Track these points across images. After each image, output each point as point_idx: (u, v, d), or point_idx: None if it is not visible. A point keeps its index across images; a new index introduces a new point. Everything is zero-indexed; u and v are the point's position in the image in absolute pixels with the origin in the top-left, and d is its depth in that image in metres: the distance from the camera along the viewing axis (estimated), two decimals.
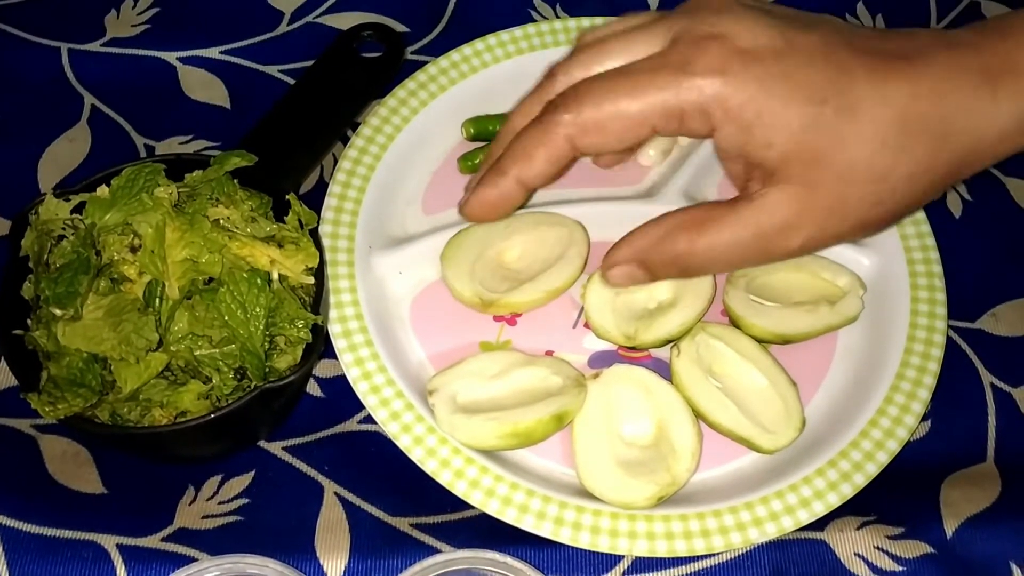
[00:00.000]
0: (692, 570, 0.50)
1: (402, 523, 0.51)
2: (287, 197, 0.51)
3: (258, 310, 0.48)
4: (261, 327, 0.48)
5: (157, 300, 0.49)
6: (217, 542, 0.50)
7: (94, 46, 0.66)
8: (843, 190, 0.43)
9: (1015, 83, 0.42)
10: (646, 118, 0.44)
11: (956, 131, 0.42)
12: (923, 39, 0.44)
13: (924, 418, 0.55)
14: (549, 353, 0.56)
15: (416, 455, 0.50)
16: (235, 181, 0.52)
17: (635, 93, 0.44)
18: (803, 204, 0.43)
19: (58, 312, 0.47)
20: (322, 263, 0.51)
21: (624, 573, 0.50)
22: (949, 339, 0.57)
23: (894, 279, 0.58)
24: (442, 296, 0.57)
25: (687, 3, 0.47)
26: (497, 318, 0.57)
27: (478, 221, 0.52)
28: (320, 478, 0.52)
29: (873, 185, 0.42)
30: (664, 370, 0.55)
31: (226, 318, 0.48)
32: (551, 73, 0.48)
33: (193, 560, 0.48)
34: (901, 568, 0.50)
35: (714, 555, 0.51)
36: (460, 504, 0.50)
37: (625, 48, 0.46)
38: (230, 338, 0.48)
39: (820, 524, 0.51)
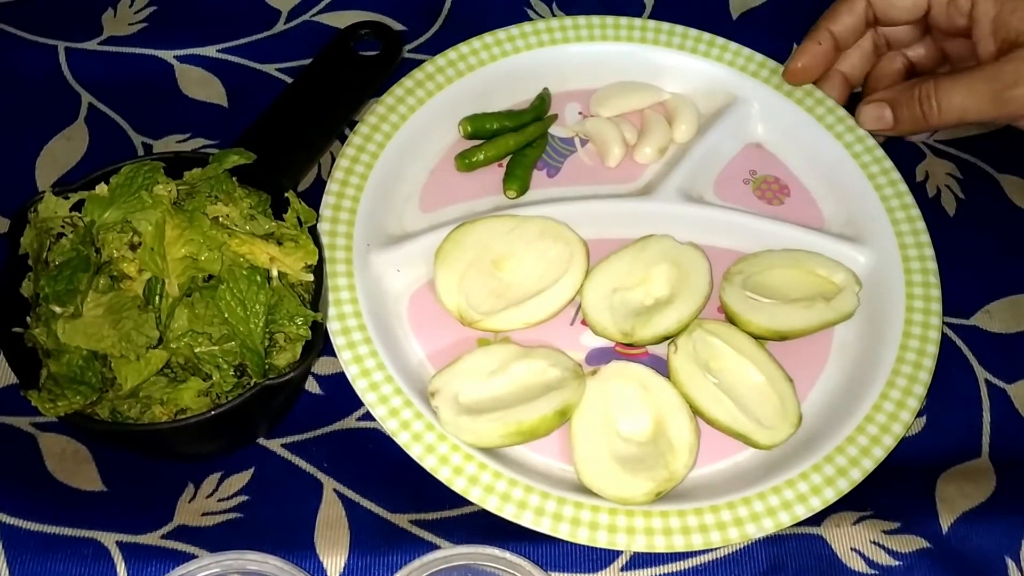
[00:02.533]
0: (690, 565, 0.51)
1: (401, 519, 0.51)
2: (286, 195, 0.52)
3: (258, 307, 0.48)
4: (261, 324, 0.48)
5: (157, 297, 0.49)
6: (217, 539, 0.50)
7: (91, 45, 0.66)
8: None
9: None
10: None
11: None
12: None
13: (919, 414, 0.55)
14: None
15: (415, 452, 0.51)
16: (234, 179, 0.52)
17: None
18: None
19: (58, 309, 0.47)
20: (321, 260, 0.51)
21: (622, 568, 0.50)
22: (944, 335, 0.57)
23: (889, 276, 0.58)
24: None
25: None
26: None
27: (802, 74, 0.63)
28: (319, 475, 0.52)
29: None
30: (661, 367, 0.55)
31: (226, 315, 0.48)
32: None
33: (193, 557, 0.48)
34: (897, 563, 0.51)
35: (711, 550, 0.51)
36: (459, 500, 0.50)
37: None
38: (230, 335, 0.48)
39: (817, 519, 0.51)
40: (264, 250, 0.50)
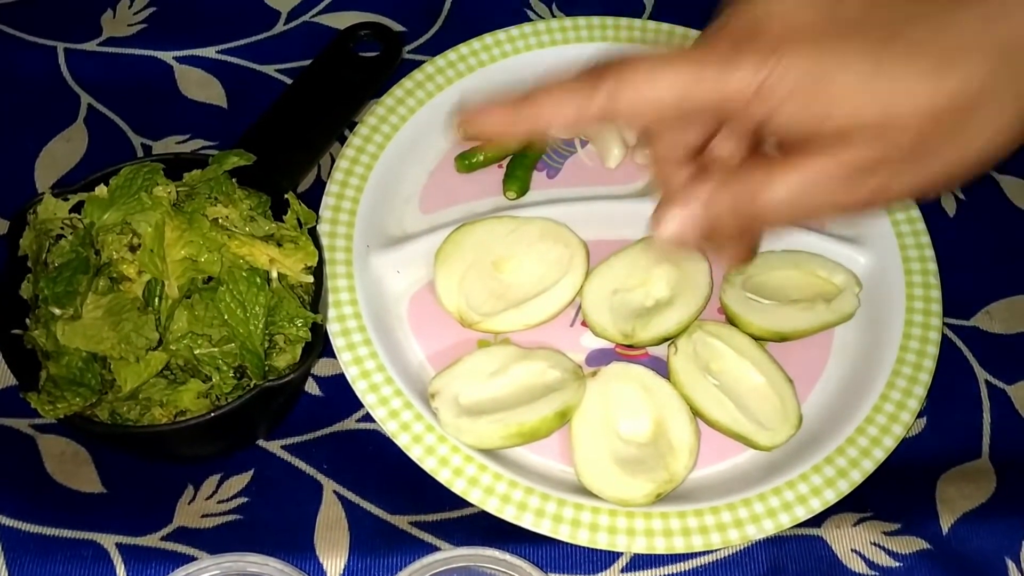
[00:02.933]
0: (690, 567, 0.51)
1: (401, 521, 0.51)
2: (286, 196, 0.52)
3: (257, 309, 0.48)
4: (260, 326, 0.48)
5: (157, 299, 0.49)
6: (216, 541, 0.50)
7: (91, 46, 0.66)
8: (925, 129, 0.38)
9: None
10: (686, 111, 0.40)
11: None
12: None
13: (920, 415, 0.55)
14: None
15: (415, 453, 0.51)
16: (233, 180, 0.52)
17: (681, 83, 0.40)
18: (882, 147, 0.39)
19: (57, 311, 0.47)
20: (321, 262, 0.51)
21: (622, 570, 0.50)
22: (944, 336, 0.57)
23: (890, 277, 0.58)
24: None
25: None
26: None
27: (473, 136, 0.45)
28: (319, 476, 0.52)
29: (956, 122, 0.38)
30: (662, 368, 0.55)
31: (225, 317, 0.48)
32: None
33: (193, 559, 0.48)
34: (898, 564, 0.51)
35: (712, 552, 0.51)
36: (459, 502, 0.50)
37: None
38: (229, 337, 0.48)
39: (817, 520, 0.51)
40: (264, 251, 0.50)
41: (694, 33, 0.66)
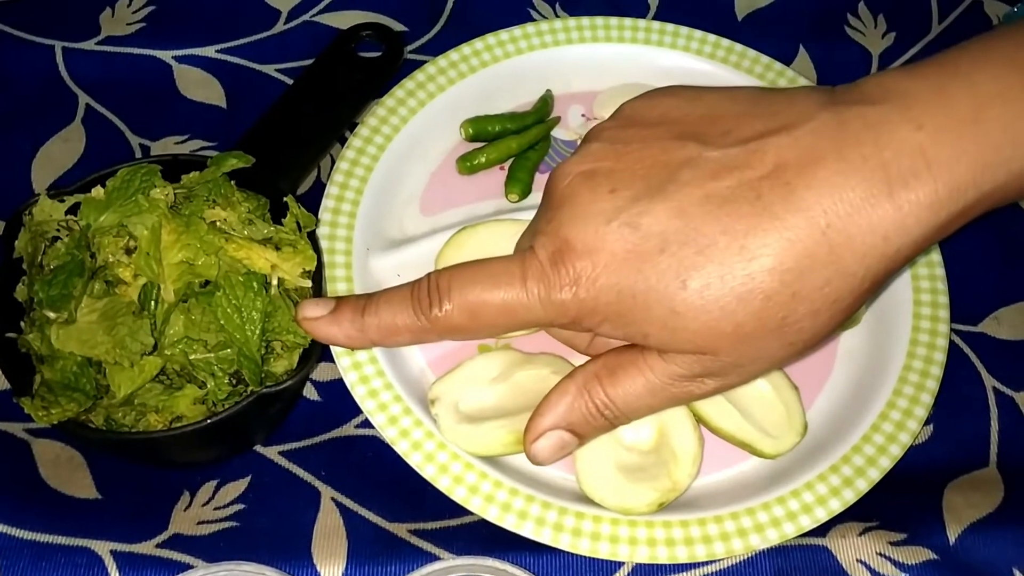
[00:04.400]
0: None
1: (400, 529, 0.50)
2: (285, 199, 0.51)
3: (254, 314, 0.47)
4: (258, 331, 0.47)
5: (152, 303, 0.48)
6: (212, 548, 0.49)
7: (89, 45, 0.65)
8: (743, 348, 0.40)
9: (928, 187, 0.37)
10: (517, 327, 0.44)
11: (855, 261, 0.38)
12: (807, 137, 0.38)
13: (927, 422, 0.55)
14: None
15: (414, 460, 0.50)
16: (232, 182, 0.51)
17: (506, 307, 0.42)
18: (706, 364, 0.41)
19: (52, 315, 0.47)
20: (320, 266, 0.50)
21: None
22: (951, 343, 0.57)
23: (896, 282, 0.58)
24: None
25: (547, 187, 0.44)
26: None
27: (313, 336, 0.48)
28: (317, 483, 0.52)
29: (773, 334, 0.39)
30: None
31: (222, 322, 0.47)
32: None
33: (188, 567, 0.48)
34: (904, 574, 0.50)
35: (715, 562, 0.50)
36: (459, 510, 0.50)
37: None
38: (226, 342, 0.47)
39: (822, 530, 0.51)
40: (262, 255, 0.49)
41: (699, 33, 0.65)
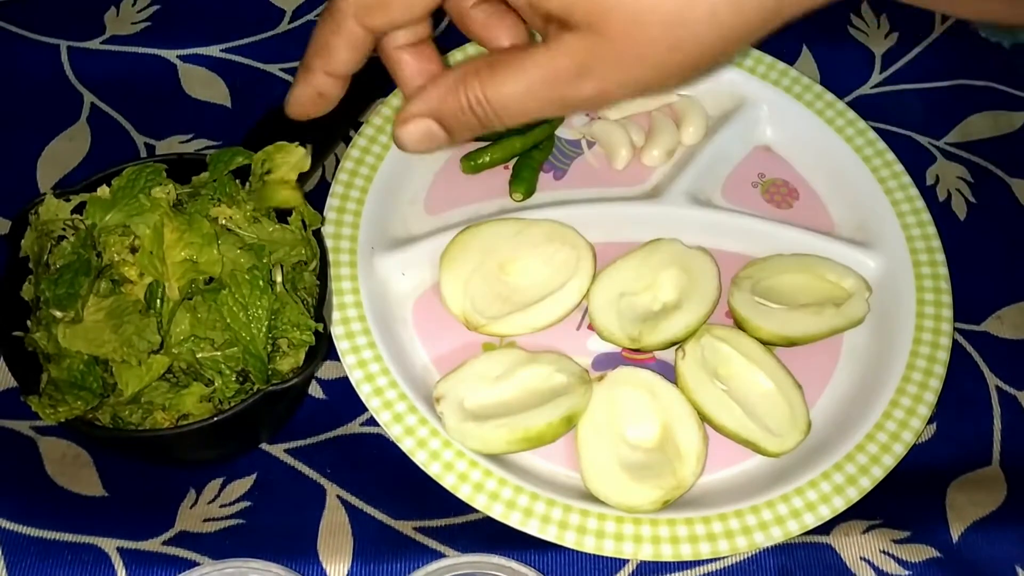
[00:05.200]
0: (697, 574, 0.50)
1: (405, 527, 0.50)
2: None
3: (260, 312, 0.47)
4: (264, 329, 0.47)
5: (158, 301, 0.48)
6: (218, 545, 0.49)
7: (94, 44, 0.66)
8: (634, 33, 0.37)
9: None
10: None
11: None
12: None
13: (930, 421, 0.55)
14: None
15: (420, 458, 0.50)
16: (237, 181, 0.51)
17: None
18: (594, 47, 0.38)
19: (58, 314, 0.47)
20: (325, 264, 0.50)
21: None
22: (954, 342, 0.57)
23: (899, 281, 0.58)
24: None
25: None
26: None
27: (303, 117, 0.47)
28: (322, 481, 0.52)
29: (667, 28, 0.37)
30: (669, 373, 0.54)
31: (228, 320, 0.47)
32: None
33: (195, 564, 0.48)
34: (907, 572, 0.50)
35: (719, 559, 0.50)
36: (464, 507, 0.50)
37: None
38: (232, 340, 0.48)
39: (826, 528, 0.51)
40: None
41: None
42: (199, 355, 0.47)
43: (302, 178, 0.59)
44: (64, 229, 0.49)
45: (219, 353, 0.47)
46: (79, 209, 0.50)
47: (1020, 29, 0.40)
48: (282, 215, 0.52)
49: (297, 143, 0.52)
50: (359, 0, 0.41)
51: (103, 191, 0.50)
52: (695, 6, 0.37)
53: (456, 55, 0.63)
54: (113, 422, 0.46)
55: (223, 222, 0.50)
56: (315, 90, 0.45)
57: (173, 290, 0.48)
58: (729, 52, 0.39)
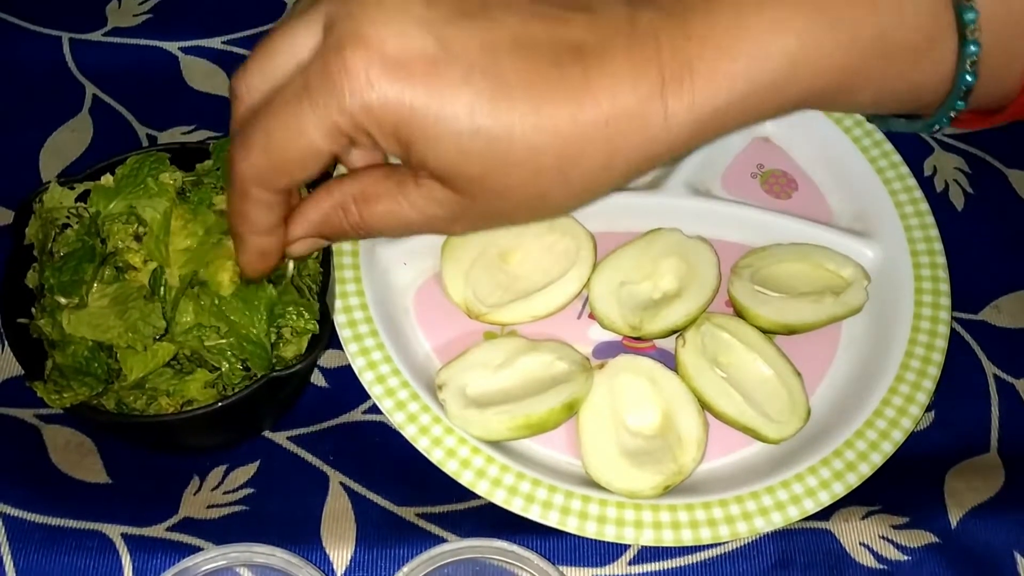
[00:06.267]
0: (698, 559, 0.50)
1: (408, 513, 0.51)
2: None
3: (259, 304, 0.48)
4: (264, 319, 0.48)
5: (162, 288, 0.48)
6: (222, 532, 0.49)
7: (96, 36, 0.66)
8: (500, 204, 0.41)
9: (686, 89, 0.38)
10: (318, 152, 0.40)
11: (625, 146, 0.39)
12: (609, 24, 0.39)
13: (928, 409, 0.55)
14: None
15: (422, 445, 0.50)
16: None
17: (292, 132, 0.39)
18: (464, 207, 0.41)
19: (63, 300, 0.47)
20: (328, 252, 0.51)
21: (630, 562, 0.50)
22: (952, 330, 0.57)
23: (898, 270, 0.58)
24: None
25: None
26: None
27: (263, 274, 0.47)
28: (325, 468, 0.52)
29: (532, 201, 0.41)
30: (669, 360, 0.55)
31: (227, 313, 0.47)
32: (234, 91, 0.44)
33: (198, 550, 0.48)
34: (906, 557, 0.51)
35: (720, 544, 0.51)
36: (466, 494, 0.50)
37: (289, 43, 0.40)
38: (233, 333, 0.48)
39: (825, 514, 0.51)
40: None
41: None
42: (207, 343, 0.47)
43: None
44: (68, 217, 0.50)
45: (225, 341, 0.48)
46: (83, 197, 0.50)
47: (916, 120, 0.44)
48: None
49: None
50: (255, 173, 0.41)
51: (107, 179, 0.50)
52: (555, 187, 0.40)
53: None
54: (118, 408, 0.46)
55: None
56: (256, 251, 0.45)
57: (174, 277, 0.49)
58: (584, 201, 0.42)
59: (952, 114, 0.41)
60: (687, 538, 0.49)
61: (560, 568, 0.49)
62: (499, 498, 0.49)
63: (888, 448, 0.52)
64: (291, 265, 0.49)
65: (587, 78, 0.38)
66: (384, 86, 0.37)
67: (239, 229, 0.44)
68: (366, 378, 0.52)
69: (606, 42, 0.39)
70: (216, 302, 0.47)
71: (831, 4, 0.38)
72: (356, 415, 0.54)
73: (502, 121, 0.38)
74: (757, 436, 0.52)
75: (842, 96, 0.41)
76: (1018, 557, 0.51)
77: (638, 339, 0.56)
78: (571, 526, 0.49)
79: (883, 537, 0.51)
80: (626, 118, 0.38)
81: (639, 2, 0.40)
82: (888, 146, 0.62)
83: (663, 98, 0.38)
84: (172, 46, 0.66)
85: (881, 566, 0.50)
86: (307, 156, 0.40)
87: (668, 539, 0.49)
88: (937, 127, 0.42)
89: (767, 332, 0.55)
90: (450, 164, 0.39)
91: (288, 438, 0.53)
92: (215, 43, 0.66)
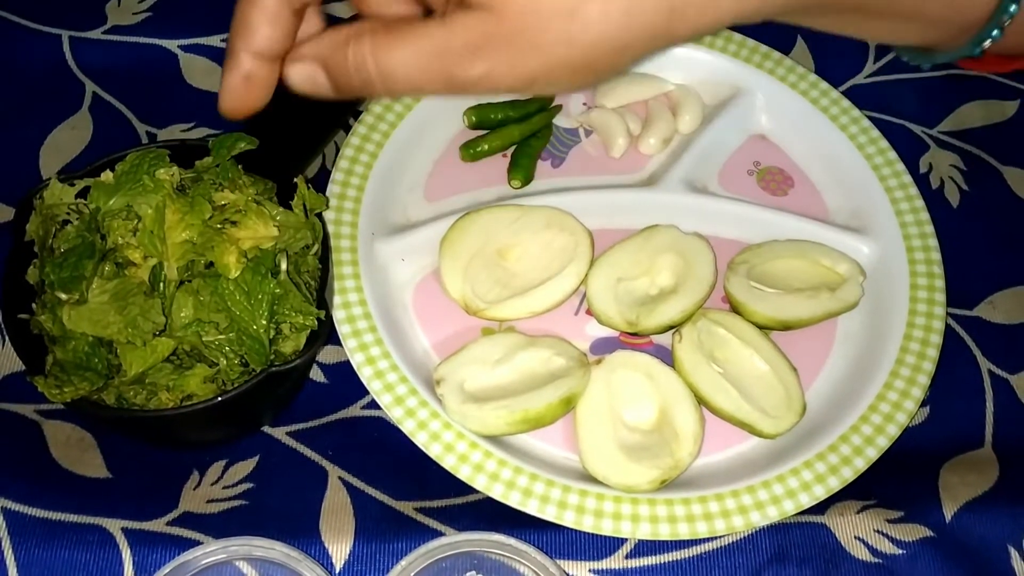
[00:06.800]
0: (694, 553, 0.51)
1: (406, 507, 0.51)
2: (295, 180, 0.51)
3: (262, 297, 0.48)
4: (266, 314, 0.48)
5: (162, 284, 0.49)
6: (222, 526, 0.50)
7: (95, 34, 0.66)
8: (529, 20, 0.37)
9: None
10: None
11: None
12: None
13: (923, 404, 0.56)
14: None
15: (420, 440, 0.51)
16: (239, 167, 0.52)
17: None
18: (488, 28, 0.37)
19: (63, 296, 0.47)
20: (327, 248, 0.51)
21: (627, 556, 0.50)
22: (947, 326, 0.57)
23: (894, 266, 0.58)
24: None
25: None
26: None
27: (238, 112, 0.45)
28: (324, 463, 0.52)
29: (560, 20, 0.37)
30: (666, 356, 0.55)
31: (229, 304, 0.48)
32: None
33: (198, 544, 0.48)
34: (901, 551, 0.51)
35: (716, 538, 0.51)
36: (464, 488, 0.50)
37: None
38: (233, 325, 0.48)
39: (821, 508, 0.51)
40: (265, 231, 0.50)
41: None
42: (205, 339, 0.48)
43: (302, 167, 0.60)
44: (68, 213, 0.50)
45: (224, 337, 0.48)
46: (83, 194, 0.50)
47: (935, 52, 0.41)
48: (284, 200, 0.52)
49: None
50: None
51: (107, 176, 0.50)
52: (589, 3, 0.37)
53: None
54: (118, 403, 0.47)
55: (225, 206, 0.50)
56: (241, 74, 0.43)
57: (172, 270, 0.49)
58: (618, 61, 0.38)
59: (985, 45, 0.39)
60: (683, 532, 0.49)
61: (557, 562, 0.50)
62: (497, 492, 0.49)
63: (883, 443, 0.52)
64: (285, 260, 0.49)
65: None
66: None
67: (235, 43, 0.42)
68: (365, 374, 0.52)
69: None
70: (219, 290, 0.47)
71: None
72: (355, 410, 0.54)
73: None
74: (753, 431, 0.53)
75: None
76: (1012, 550, 0.51)
77: (635, 335, 0.56)
78: (568, 520, 0.49)
79: (878, 531, 0.51)
80: None
81: None
82: (884, 143, 0.63)
83: None
84: (171, 44, 0.66)
85: (876, 560, 0.51)
86: None
87: (664, 533, 0.49)
88: (965, 56, 0.40)
89: (763, 328, 0.56)
90: None
91: (287, 433, 0.53)
92: (214, 41, 0.67)
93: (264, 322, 0.48)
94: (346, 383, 0.54)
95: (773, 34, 0.67)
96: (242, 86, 0.43)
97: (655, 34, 0.37)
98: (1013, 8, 0.37)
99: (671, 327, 0.55)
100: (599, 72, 0.39)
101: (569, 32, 0.37)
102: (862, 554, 0.51)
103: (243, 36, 0.42)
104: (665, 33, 0.37)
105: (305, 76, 0.42)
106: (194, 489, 0.51)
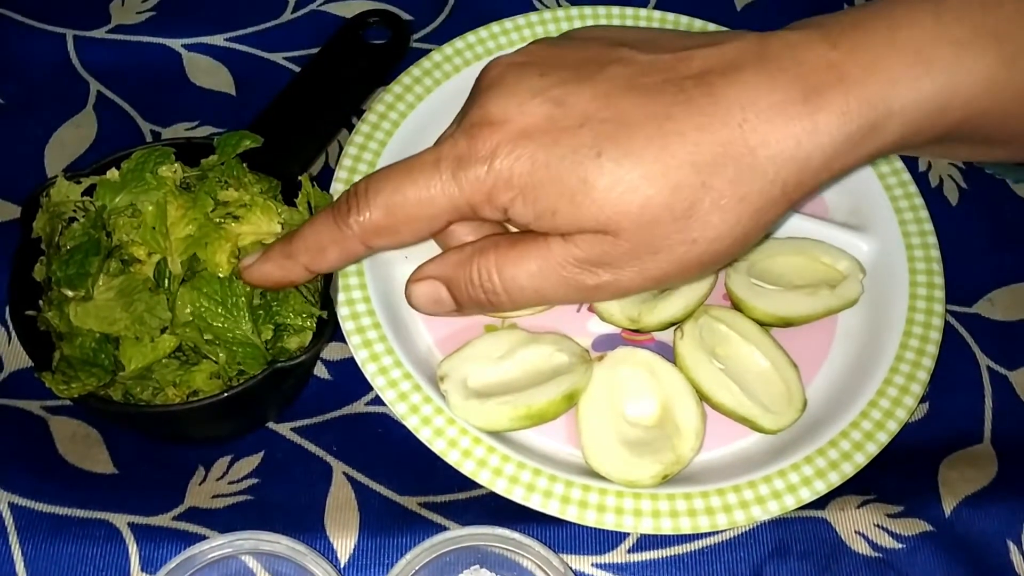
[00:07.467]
0: (696, 547, 0.51)
1: (411, 502, 0.51)
2: (300, 178, 0.52)
3: (236, 299, 0.48)
4: (246, 316, 0.48)
5: (167, 280, 0.49)
6: (227, 521, 0.50)
7: (99, 33, 0.66)
8: (643, 235, 0.40)
9: (839, 97, 0.38)
10: (436, 217, 0.42)
11: (767, 159, 0.38)
12: (732, 50, 0.40)
13: (922, 400, 0.56)
14: None
15: (424, 435, 0.51)
16: (244, 165, 0.52)
17: (421, 195, 0.42)
18: (606, 248, 0.40)
19: (70, 293, 0.48)
20: None
21: (629, 550, 0.51)
22: (947, 323, 0.58)
23: (893, 264, 0.59)
24: None
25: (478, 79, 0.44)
26: None
27: (261, 287, 0.49)
28: (329, 458, 0.53)
29: (678, 224, 0.39)
30: (668, 353, 0.55)
31: (208, 320, 0.48)
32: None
33: (204, 538, 0.49)
34: (901, 545, 0.51)
35: (717, 533, 0.51)
36: (468, 483, 0.51)
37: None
38: (216, 339, 0.48)
39: (821, 502, 0.52)
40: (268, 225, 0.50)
41: (699, 23, 0.66)
42: (205, 336, 0.48)
43: (305, 165, 0.60)
44: (75, 211, 0.50)
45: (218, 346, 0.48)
46: (89, 191, 0.51)
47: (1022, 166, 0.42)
48: (289, 198, 0.53)
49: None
50: (370, 225, 0.43)
51: (112, 174, 0.51)
52: (699, 202, 0.39)
53: (457, 43, 0.64)
54: (124, 398, 0.47)
55: (229, 204, 0.51)
56: (287, 277, 0.46)
57: (176, 264, 0.49)
58: (746, 239, 0.41)
59: None
60: (685, 526, 0.49)
61: (561, 556, 0.50)
62: (500, 487, 0.50)
63: (883, 438, 0.52)
64: None
65: (713, 94, 0.38)
66: (508, 151, 0.40)
67: (300, 255, 0.45)
68: (369, 370, 0.53)
69: (734, 63, 0.39)
70: (198, 308, 0.48)
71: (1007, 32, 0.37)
72: (359, 406, 0.55)
73: (624, 146, 0.39)
74: (754, 426, 0.53)
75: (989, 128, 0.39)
76: (1011, 545, 0.52)
77: (637, 331, 0.57)
78: (571, 515, 0.49)
79: (878, 525, 0.52)
80: (764, 119, 0.38)
81: (771, 32, 0.40)
82: None
83: (806, 103, 0.38)
84: (175, 43, 0.67)
85: (876, 554, 0.51)
86: (426, 226, 0.42)
87: (667, 527, 0.49)
88: None
89: (764, 324, 0.56)
90: (577, 203, 0.39)
91: (292, 429, 0.54)
92: (218, 40, 0.67)
93: (248, 324, 0.48)
94: (350, 380, 0.54)
95: None
96: (280, 280, 0.47)
97: (774, 204, 0.40)
98: None
99: (673, 324, 0.56)
100: (728, 257, 0.42)
101: (688, 233, 0.40)
102: (862, 548, 0.51)
103: (311, 256, 0.45)
104: (783, 200, 0.40)
105: (428, 294, 0.46)
106: (200, 484, 0.51)
